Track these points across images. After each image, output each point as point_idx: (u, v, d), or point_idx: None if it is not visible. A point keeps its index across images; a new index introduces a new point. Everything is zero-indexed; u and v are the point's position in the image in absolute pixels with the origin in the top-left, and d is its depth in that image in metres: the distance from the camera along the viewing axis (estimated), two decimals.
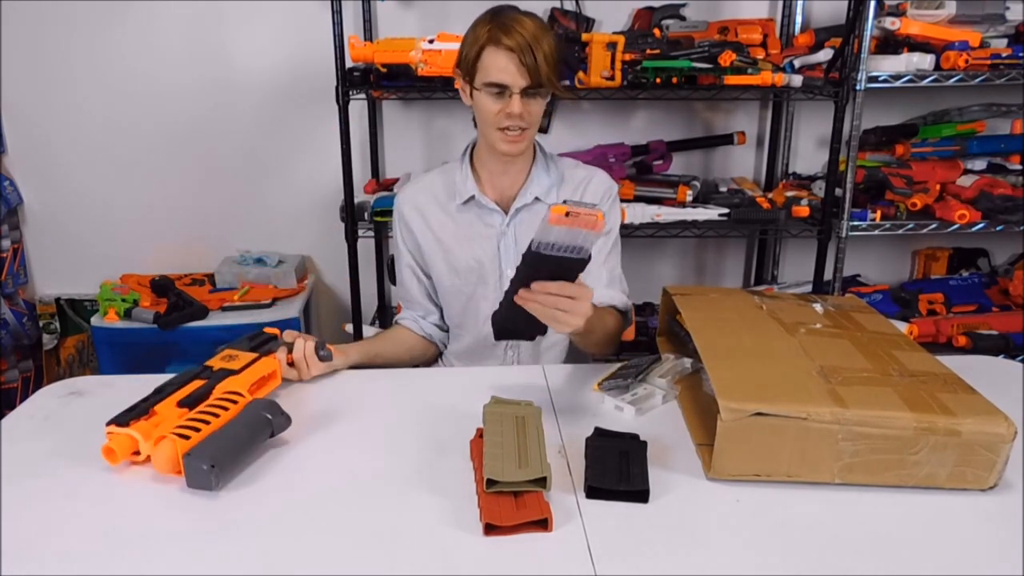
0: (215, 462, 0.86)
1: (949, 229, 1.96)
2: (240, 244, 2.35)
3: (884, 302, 2.18)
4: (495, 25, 1.21)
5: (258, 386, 1.08)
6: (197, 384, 1.02)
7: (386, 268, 2.33)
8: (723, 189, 2.13)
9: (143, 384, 1.03)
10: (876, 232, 1.96)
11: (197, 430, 0.91)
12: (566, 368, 1.25)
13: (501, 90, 1.22)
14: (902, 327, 1.96)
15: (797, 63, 1.98)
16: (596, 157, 2.11)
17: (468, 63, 1.25)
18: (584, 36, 1.87)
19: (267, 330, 1.19)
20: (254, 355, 1.11)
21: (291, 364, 1.17)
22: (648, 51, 1.88)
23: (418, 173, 2.19)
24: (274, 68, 2.24)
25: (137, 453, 0.93)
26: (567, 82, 1.88)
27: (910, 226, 1.97)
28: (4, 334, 2.24)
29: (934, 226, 1.97)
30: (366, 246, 2.25)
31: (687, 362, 1.15)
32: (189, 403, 0.98)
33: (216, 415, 0.94)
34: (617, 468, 0.88)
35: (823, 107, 2.17)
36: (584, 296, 0.99)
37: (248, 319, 2.02)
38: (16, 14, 2.16)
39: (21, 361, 2.35)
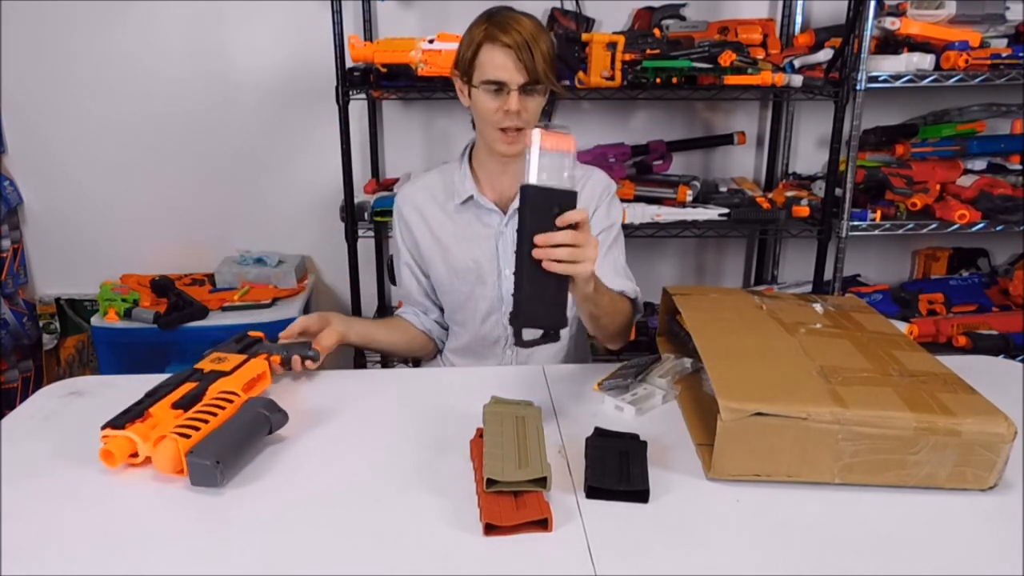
0: (219, 458, 0.87)
1: (949, 229, 1.96)
2: (240, 244, 2.35)
3: (884, 302, 2.18)
4: (492, 24, 1.23)
5: (250, 386, 1.08)
6: (190, 386, 1.02)
7: (386, 268, 2.33)
8: (723, 189, 2.13)
9: (143, 384, 1.03)
10: (876, 232, 1.97)
11: (197, 429, 0.91)
12: (566, 368, 1.25)
13: (499, 87, 1.23)
14: (902, 327, 1.96)
15: (797, 63, 1.98)
16: (596, 157, 2.11)
17: (466, 63, 1.26)
18: (584, 36, 1.87)
19: (251, 333, 1.19)
20: (243, 356, 1.11)
21: (281, 364, 1.17)
22: (648, 51, 1.88)
23: (418, 173, 2.19)
24: (274, 68, 2.24)
25: (135, 455, 0.93)
26: (566, 82, 1.88)
27: (910, 226, 1.97)
28: (4, 334, 2.24)
29: (934, 226, 1.97)
30: (366, 246, 2.26)
31: (687, 362, 1.15)
32: (184, 404, 0.98)
33: (214, 414, 0.95)
34: (617, 468, 0.88)
35: (823, 107, 2.17)
36: (589, 243, 0.98)
37: (248, 319, 2.02)
38: (16, 14, 2.16)
39: (21, 361, 2.35)
